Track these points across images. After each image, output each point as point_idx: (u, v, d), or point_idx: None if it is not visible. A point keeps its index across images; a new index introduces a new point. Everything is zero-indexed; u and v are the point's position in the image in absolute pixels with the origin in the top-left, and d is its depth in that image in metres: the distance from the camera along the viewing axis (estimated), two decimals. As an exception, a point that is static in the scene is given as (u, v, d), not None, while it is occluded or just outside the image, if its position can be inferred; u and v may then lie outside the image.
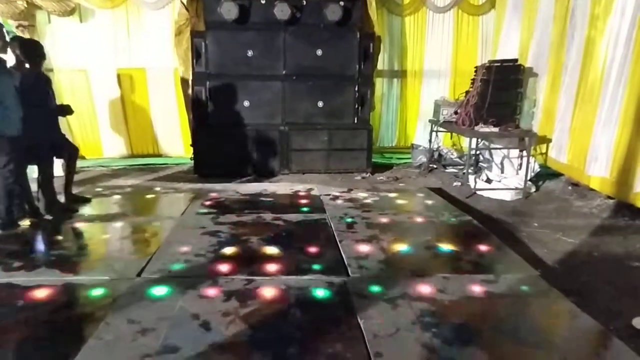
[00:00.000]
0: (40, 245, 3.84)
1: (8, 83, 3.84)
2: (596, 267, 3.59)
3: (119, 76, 7.33)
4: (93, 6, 6.97)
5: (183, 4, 6.57)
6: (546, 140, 6.13)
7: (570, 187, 5.75)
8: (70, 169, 4.99)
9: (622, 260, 3.73)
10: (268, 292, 2.84)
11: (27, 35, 6.62)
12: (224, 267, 3.21)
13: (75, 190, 5.05)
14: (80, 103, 7.08)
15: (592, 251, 3.91)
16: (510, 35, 7.21)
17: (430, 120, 7.07)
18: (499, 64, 6.14)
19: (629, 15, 4.84)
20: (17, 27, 6.59)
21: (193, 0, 6.57)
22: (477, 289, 2.89)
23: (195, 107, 6.52)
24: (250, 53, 6.38)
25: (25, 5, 6.43)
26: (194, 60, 6.38)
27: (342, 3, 6.30)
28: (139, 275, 3.09)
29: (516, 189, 5.61)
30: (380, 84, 7.78)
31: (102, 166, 7.16)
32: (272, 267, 3.21)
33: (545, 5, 6.39)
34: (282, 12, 6.18)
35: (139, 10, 7.15)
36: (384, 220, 4.30)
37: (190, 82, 6.64)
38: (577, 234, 4.29)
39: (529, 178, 5.70)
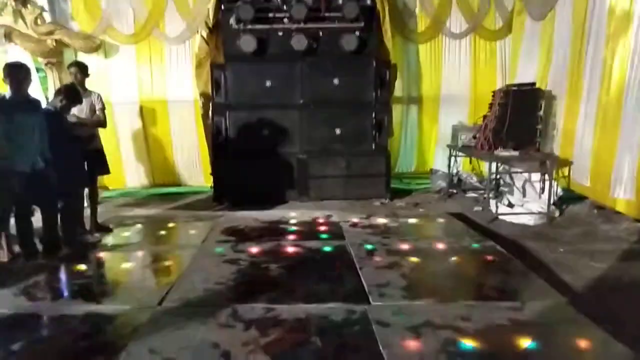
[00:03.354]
0: (63, 275, 3.89)
1: (26, 121, 3.97)
2: (626, 293, 3.46)
3: (141, 108, 7.54)
4: (117, 42, 7.26)
5: (203, 37, 6.79)
6: (568, 163, 6.03)
7: (595, 211, 5.60)
8: (93, 199, 5.13)
9: (653, 285, 3.59)
10: (288, 320, 2.81)
11: (55, 72, 6.92)
12: (243, 296, 3.19)
13: (99, 219, 5.14)
14: (104, 135, 7.26)
15: (621, 276, 3.78)
16: (528, 59, 7.21)
17: (448, 145, 7.04)
18: (516, 88, 6.13)
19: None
20: (45, 64, 6.88)
21: (213, 34, 6.79)
22: (502, 316, 2.81)
23: (215, 137, 6.64)
24: (268, 83, 6.51)
25: (54, 44, 6.73)
26: (214, 92, 6.54)
27: (357, 33, 6.43)
28: (159, 304, 3.10)
29: (539, 213, 5.50)
30: (398, 110, 7.80)
31: (125, 196, 7.30)
32: (292, 295, 3.18)
33: (561, 28, 6.41)
34: (299, 43, 6.32)
35: (161, 45, 7.41)
36: (405, 246, 4.24)
37: (210, 113, 6.79)
38: (605, 259, 4.15)
39: (552, 202, 5.58)
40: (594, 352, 2.48)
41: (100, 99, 5.13)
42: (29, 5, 6.63)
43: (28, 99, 4.13)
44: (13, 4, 6.49)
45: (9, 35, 6.54)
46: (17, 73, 3.98)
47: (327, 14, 6.46)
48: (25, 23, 6.62)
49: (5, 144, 3.84)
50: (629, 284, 3.63)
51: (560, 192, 5.89)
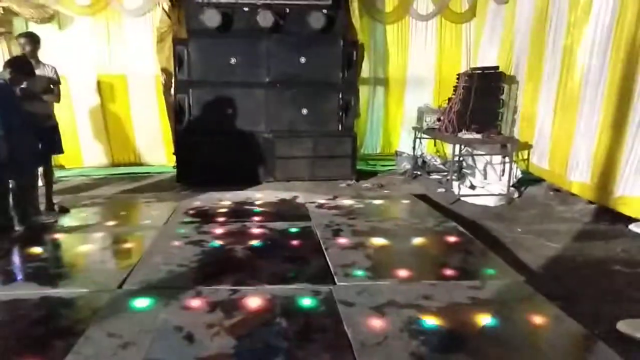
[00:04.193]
0: (17, 257, 3.72)
1: None
2: (580, 272, 3.63)
3: (99, 83, 7.23)
4: (72, 13, 6.87)
5: (165, 11, 6.53)
6: (527, 146, 6.22)
7: (552, 193, 5.82)
8: (48, 179, 4.91)
9: (604, 264, 3.77)
10: (253, 302, 2.79)
11: (3, 43, 6.49)
12: (207, 278, 3.14)
13: (54, 200, 4.93)
14: (59, 111, 6.92)
15: (575, 256, 3.95)
16: (490, 43, 7.33)
17: (413, 128, 7.11)
18: (480, 72, 6.23)
19: (605, 24, 4.96)
20: (-7, 34, 6.46)
21: (175, 7, 6.54)
22: (463, 295, 2.89)
23: (178, 115, 6.44)
24: (233, 61, 6.35)
25: (2, 12, 6.30)
26: (176, 68, 6.33)
27: (325, 11, 6.33)
28: (120, 287, 3.01)
29: (499, 195, 5.67)
30: (364, 91, 7.80)
31: (83, 175, 7.02)
32: (257, 277, 3.16)
33: (523, 12, 6.52)
34: (265, 19, 6.17)
35: (119, 17, 7.08)
36: (370, 227, 4.28)
37: (172, 89, 6.57)
38: (560, 239, 4.33)
39: (511, 184, 5.76)
40: (548, 328, 2.59)
41: (55, 71, 4.86)
42: (-27, -31, 6.16)
43: None
44: (-45, -34, 6.01)
45: (-50, 1, 6.08)
46: None
47: (294, -10, 6.31)
48: (-31, -12, 6.16)
49: None
50: (582, 263, 3.80)
51: (519, 174, 6.08)
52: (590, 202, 5.20)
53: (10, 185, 4.34)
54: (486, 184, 6.01)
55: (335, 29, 6.49)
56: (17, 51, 5.58)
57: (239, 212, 4.80)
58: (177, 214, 4.72)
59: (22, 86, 4.36)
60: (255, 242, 3.87)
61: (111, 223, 4.47)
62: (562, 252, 4.04)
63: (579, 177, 5.30)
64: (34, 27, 6.71)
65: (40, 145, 4.62)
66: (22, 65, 4.30)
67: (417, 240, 3.95)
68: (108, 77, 7.23)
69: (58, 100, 4.90)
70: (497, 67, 6.47)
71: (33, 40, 4.76)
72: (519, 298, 2.89)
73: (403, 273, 3.25)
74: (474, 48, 7.75)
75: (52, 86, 4.78)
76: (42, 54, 4.90)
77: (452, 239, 4.00)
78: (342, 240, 3.90)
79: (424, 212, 4.87)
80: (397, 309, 2.69)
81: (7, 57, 6.19)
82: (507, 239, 4.39)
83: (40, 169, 4.90)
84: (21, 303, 2.78)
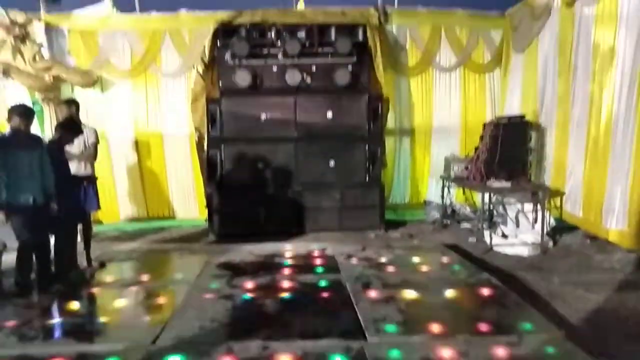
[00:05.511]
0: (55, 313, 3.83)
1: (28, 157, 4.07)
2: (624, 326, 3.46)
3: (136, 142, 7.59)
4: (114, 77, 7.36)
5: (199, 73, 6.92)
6: (560, 193, 6.10)
7: (588, 241, 5.64)
8: (86, 234, 5.12)
9: (650, 317, 3.59)
10: (285, 358, 2.77)
11: (51, 107, 6.97)
12: (238, 333, 3.15)
13: (92, 254, 5.10)
14: (99, 168, 7.28)
15: (617, 308, 3.78)
16: (515, 91, 7.40)
17: (441, 176, 7.12)
18: (506, 121, 6.26)
19: (628, 70, 4.98)
20: (42, 99, 6.94)
21: (208, 69, 6.92)
22: (500, 351, 2.80)
23: (210, 170, 6.67)
24: (263, 117, 6.60)
25: (52, 80, 6.81)
26: (209, 125, 6.62)
27: (350, 67, 6.58)
28: (153, 342, 3.05)
29: (533, 244, 5.53)
30: (390, 142, 7.90)
31: (119, 230, 7.25)
32: (287, 332, 3.15)
33: (545, 61, 6.61)
34: (292, 78, 6.47)
35: (157, 80, 7.52)
36: (400, 279, 4.23)
37: (205, 146, 6.84)
38: (600, 290, 4.16)
39: (545, 232, 5.62)
40: (592, 388, 2.47)
41: (95, 133, 5.21)
42: (27, 42, 6.73)
43: (29, 136, 4.25)
44: (12, 40, 6.60)
45: (7, 72, 6.63)
46: (21, 114, 4.15)
47: (320, 49, 6.64)
48: (24, 59, 6.71)
49: (7, 180, 3.93)
50: (625, 317, 3.63)
51: (553, 222, 5.94)
52: (630, 251, 5.01)
53: (52, 241, 4.57)
54: (519, 233, 5.88)
55: (360, 84, 6.72)
56: (63, 114, 5.97)
57: (269, 265, 4.83)
58: (208, 267, 4.79)
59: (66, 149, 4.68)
60: (285, 295, 3.88)
61: (145, 277, 4.57)
62: (603, 305, 3.87)
63: (616, 225, 5.15)
64: (79, 91, 7.23)
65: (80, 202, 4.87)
66: (72, 126, 4.67)
67: (450, 293, 3.87)
68: (145, 135, 7.60)
69: (94, 159, 5.21)
70: (523, 116, 6.49)
71: (75, 105, 5.21)
72: (559, 355, 2.78)
73: (436, 328, 3.18)
74: (499, 97, 7.83)
75: (89, 146, 5.10)
76: (83, 117, 5.30)
77: (486, 291, 3.90)
78: (373, 294, 3.87)
79: (456, 263, 4.78)
80: (431, 367, 2.63)
81: (54, 120, 6.67)
82: (543, 290, 4.24)
83: (80, 225, 5.12)
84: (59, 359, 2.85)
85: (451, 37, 7.67)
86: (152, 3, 7.28)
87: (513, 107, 7.31)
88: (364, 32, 6.84)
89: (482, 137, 6.45)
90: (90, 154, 5.15)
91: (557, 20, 6.28)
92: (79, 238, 5.07)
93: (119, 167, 7.60)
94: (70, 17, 7.15)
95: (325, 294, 3.93)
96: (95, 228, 6.68)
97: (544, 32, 6.61)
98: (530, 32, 6.83)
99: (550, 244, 5.72)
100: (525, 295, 3.93)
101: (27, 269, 4.21)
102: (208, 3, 7.03)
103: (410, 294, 3.85)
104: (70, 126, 4.66)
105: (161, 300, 3.93)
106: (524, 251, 5.47)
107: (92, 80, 7.15)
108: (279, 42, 6.56)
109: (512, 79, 7.48)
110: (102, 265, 4.99)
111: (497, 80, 7.94)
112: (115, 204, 7.66)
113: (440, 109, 7.94)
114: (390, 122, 7.77)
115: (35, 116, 6.46)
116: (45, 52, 6.96)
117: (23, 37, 6.68)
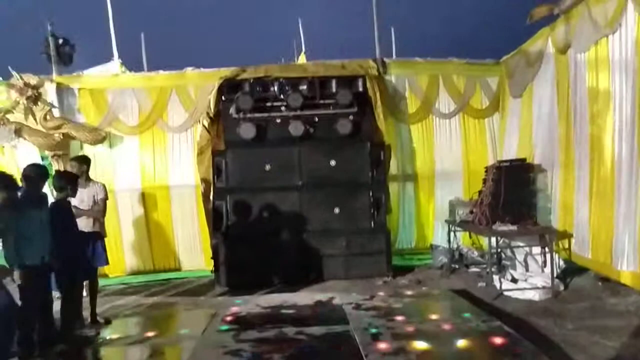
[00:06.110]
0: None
1: (36, 216, 4.11)
2: (643, 374, 3.35)
3: (143, 194, 7.67)
4: (122, 134, 7.55)
5: (204, 126, 7.10)
6: (567, 235, 6.06)
7: (600, 284, 5.54)
8: (93, 290, 5.09)
9: (670, 364, 3.48)
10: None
11: (59, 163, 7.12)
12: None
13: (97, 309, 5.06)
14: (106, 223, 7.34)
15: (637, 355, 3.67)
16: (512, 135, 7.52)
17: (447, 221, 7.11)
18: (507, 164, 6.32)
19: (628, 112, 5.05)
20: (52, 156, 7.11)
21: (214, 123, 7.11)
22: (516, 405, 2.71)
23: (216, 221, 6.71)
24: (267, 167, 6.72)
25: (61, 137, 7.00)
26: (215, 177, 6.73)
27: (351, 117, 6.75)
28: (159, 404, 2.98)
29: (544, 287, 5.44)
30: (394, 187, 7.95)
31: (124, 283, 7.21)
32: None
33: (541, 105, 6.74)
34: (296, 129, 6.64)
35: (164, 134, 7.69)
36: (410, 329, 4.15)
37: (211, 197, 6.91)
38: (617, 336, 4.04)
39: (555, 275, 5.54)
40: None
41: (104, 189, 5.28)
42: (39, 103, 6.98)
43: (39, 195, 4.30)
44: (25, 102, 6.84)
45: (19, 131, 6.83)
46: (37, 175, 4.23)
47: (321, 101, 6.85)
48: (35, 119, 6.92)
49: (16, 239, 3.95)
50: (644, 363, 3.52)
51: (562, 264, 5.87)
52: (644, 293, 4.91)
53: (57, 297, 4.55)
54: (528, 276, 5.81)
55: (362, 133, 6.87)
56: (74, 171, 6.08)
57: (276, 317, 4.76)
58: (214, 321, 4.72)
59: (73, 204, 4.73)
60: (292, 350, 3.80)
61: (151, 334, 4.51)
62: (620, 352, 3.75)
63: (627, 266, 5.06)
64: (88, 148, 7.40)
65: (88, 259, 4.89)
66: (69, 177, 4.74)
67: (462, 343, 3.78)
68: (152, 188, 7.69)
69: (102, 215, 5.24)
70: (524, 159, 6.56)
71: (85, 162, 5.31)
72: (577, 407, 2.69)
73: (449, 381, 3.09)
74: (499, 141, 7.94)
75: (97, 201, 5.16)
76: (92, 171, 5.39)
77: (498, 340, 3.80)
78: (382, 345, 3.78)
79: (466, 310, 4.69)
80: (446, 423, 2.54)
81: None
82: (557, 337, 4.14)
83: (86, 281, 5.11)
84: None
85: (449, 85, 7.87)
86: (159, 62, 7.59)
87: (511, 149, 7.40)
88: (364, 83, 7.07)
89: (484, 181, 6.49)
90: (100, 210, 5.20)
91: (553, 66, 6.46)
92: (84, 292, 5.05)
93: (126, 220, 7.64)
94: (80, 77, 7.45)
95: (334, 347, 3.85)
96: (101, 281, 6.66)
97: (538, 77, 6.79)
98: (525, 77, 7.02)
99: (561, 287, 5.62)
100: (539, 342, 3.83)
101: (31, 329, 4.15)
102: (213, 61, 7.33)
103: (421, 345, 3.76)
104: (67, 178, 4.70)
105: (167, 358, 3.86)
106: (535, 295, 5.37)
107: (101, 137, 7.32)
108: (281, 95, 6.79)
109: (511, 123, 7.61)
110: (108, 322, 4.94)
111: (497, 124, 8.08)
112: (122, 257, 7.64)
113: (442, 154, 8.03)
114: (393, 168, 7.84)
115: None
116: (56, 111, 7.18)
117: (35, 98, 6.93)
